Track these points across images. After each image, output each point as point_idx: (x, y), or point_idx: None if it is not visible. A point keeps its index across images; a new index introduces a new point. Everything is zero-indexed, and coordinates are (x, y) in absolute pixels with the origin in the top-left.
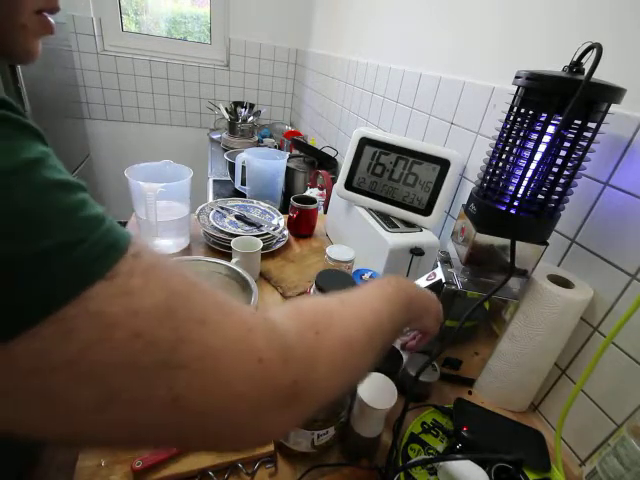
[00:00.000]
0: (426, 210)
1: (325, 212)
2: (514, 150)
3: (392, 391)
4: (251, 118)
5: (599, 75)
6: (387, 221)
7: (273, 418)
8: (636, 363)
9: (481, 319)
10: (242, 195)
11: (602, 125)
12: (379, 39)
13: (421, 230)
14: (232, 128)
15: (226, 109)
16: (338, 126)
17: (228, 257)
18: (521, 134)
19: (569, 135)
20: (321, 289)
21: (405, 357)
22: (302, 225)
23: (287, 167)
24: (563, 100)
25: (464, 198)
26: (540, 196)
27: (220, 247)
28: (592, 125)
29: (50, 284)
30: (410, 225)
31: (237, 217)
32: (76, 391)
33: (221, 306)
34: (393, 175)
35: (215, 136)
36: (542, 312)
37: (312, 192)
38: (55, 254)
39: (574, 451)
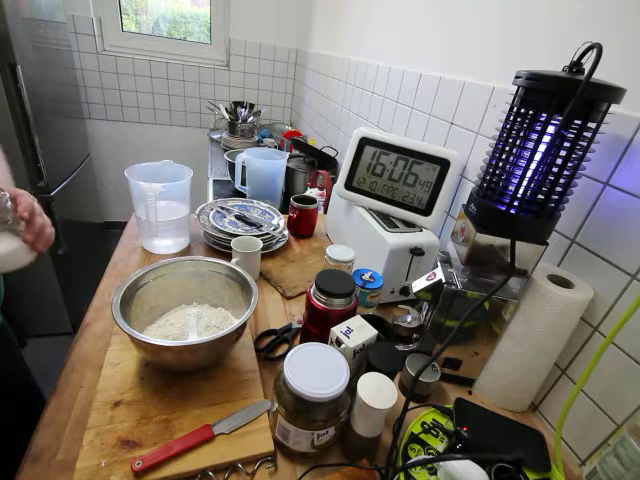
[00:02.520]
0: (426, 210)
1: (325, 212)
2: (514, 150)
3: (392, 391)
4: (251, 118)
5: (600, 75)
6: (387, 221)
7: None
8: (636, 363)
9: (481, 319)
10: (242, 195)
11: (602, 125)
12: (379, 39)
13: (421, 230)
14: (232, 128)
15: (226, 109)
16: (338, 126)
17: (228, 257)
18: (521, 134)
19: (569, 135)
20: (321, 289)
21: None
22: (302, 225)
23: (287, 167)
24: (563, 100)
25: (464, 198)
26: (540, 196)
27: (220, 247)
28: (592, 125)
29: None
30: (410, 225)
31: (237, 217)
32: None
33: None
34: (393, 175)
35: (215, 136)
36: (542, 312)
37: (312, 192)
38: None
39: (574, 451)
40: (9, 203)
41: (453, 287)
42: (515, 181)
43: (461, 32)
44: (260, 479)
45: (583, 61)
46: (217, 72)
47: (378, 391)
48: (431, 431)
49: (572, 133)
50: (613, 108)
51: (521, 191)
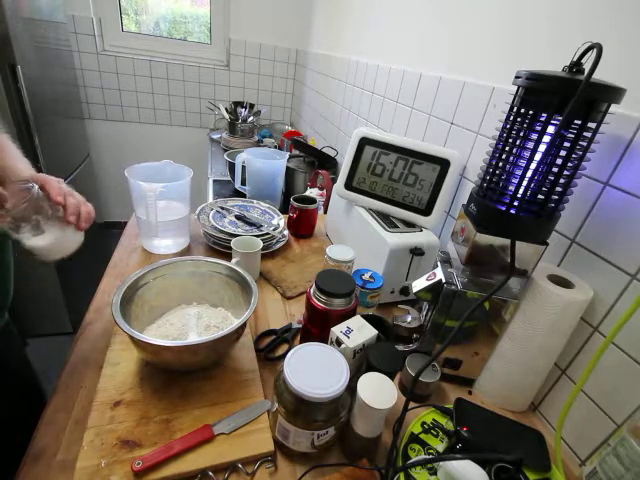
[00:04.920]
0: (426, 210)
1: (325, 212)
2: (514, 150)
3: (392, 391)
4: (251, 118)
5: (600, 75)
6: (387, 221)
7: None
8: (636, 363)
9: (481, 319)
10: (242, 195)
11: (602, 125)
12: (379, 39)
13: (421, 230)
14: (232, 128)
15: (226, 109)
16: (338, 126)
17: (228, 257)
18: (521, 134)
19: (569, 135)
20: (321, 289)
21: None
22: (302, 225)
23: (287, 167)
24: (563, 100)
25: (464, 198)
26: (540, 196)
27: (220, 247)
28: (592, 125)
29: None
30: (410, 225)
31: (237, 217)
32: None
33: None
34: (393, 175)
35: (215, 136)
36: (542, 312)
37: (312, 192)
38: None
39: (574, 451)
40: (40, 193)
41: (453, 287)
42: (515, 181)
43: (461, 32)
44: (260, 479)
45: (583, 61)
46: (217, 72)
47: (378, 391)
48: (431, 431)
49: (572, 133)
50: (613, 108)
51: (521, 191)
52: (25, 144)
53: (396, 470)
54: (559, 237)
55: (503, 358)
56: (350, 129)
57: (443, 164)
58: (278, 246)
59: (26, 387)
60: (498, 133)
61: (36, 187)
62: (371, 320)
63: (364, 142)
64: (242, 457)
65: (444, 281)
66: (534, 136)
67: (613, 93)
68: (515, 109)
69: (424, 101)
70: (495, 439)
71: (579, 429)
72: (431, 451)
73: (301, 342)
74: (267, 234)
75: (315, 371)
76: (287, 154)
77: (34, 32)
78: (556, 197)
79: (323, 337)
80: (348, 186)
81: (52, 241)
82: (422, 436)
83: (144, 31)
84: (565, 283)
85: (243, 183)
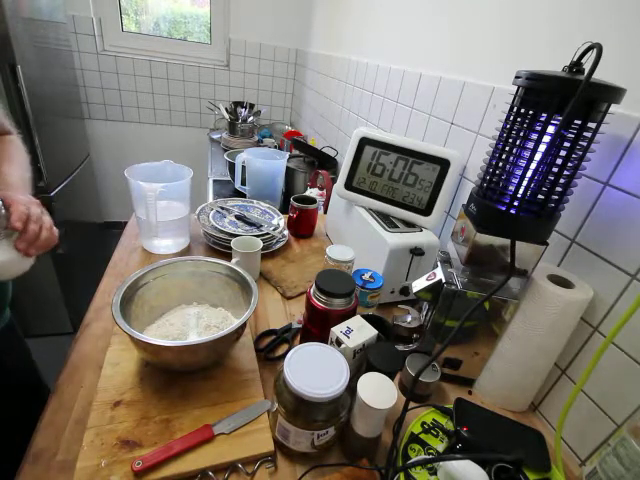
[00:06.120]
0: (426, 210)
1: (325, 212)
2: (514, 150)
3: (392, 391)
4: (251, 118)
5: (600, 75)
6: (387, 221)
7: None
8: (636, 363)
9: (481, 319)
10: (242, 195)
11: (602, 125)
12: (379, 39)
13: (421, 230)
14: (232, 128)
15: (226, 109)
16: (338, 126)
17: (228, 257)
18: (521, 134)
19: (569, 135)
20: (321, 289)
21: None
22: (302, 225)
23: (287, 167)
24: (563, 100)
25: (464, 198)
26: (540, 196)
27: (220, 247)
28: (592, 125)
29: None
30: (410, 225)
31: (237, 217)
32: None
33: None
34: (393, 175)
35: (215, 136)
36: (542, 312)
37: (312, 192)
38: None
39: (574, 451)
40: (3, 211)
41: (453, 287)
42: (515, 181)
43: (461, 32)
44: (260, 479)
45: (583, 61)
46: (217, 72)
47: (378, 391)
48: (431, 431)
49: (572, 133)
50: (613, 108)
51: (521, 191)
52: (25, 144)
53: (396, 470)
54: (559, 237)
55: (503, 358)
56: (350, 129)
57: (443, 164)
58: (278, 246)
59: (29, 386)
60: (498, 133)
61: (0, 204)
62: (371, 320)
63: (364, 142)
64: (242, 457)
65: (444, 281)
66: (534, 136)
67: (613, 93)
68: (515, 109)
69: (424, 101)
70: (495, 439)
71: (579, 429)
72: (431, 451)
73: (301, 342)
74: (267, 234)
75: (315, 371)
76: (287, 154)
77: (34, 32)
78: (556, 197)
79: (323, 337)
80: (348, 186)
81: None
82: (422, 436)
83: (144, 31)
84: (565, 283)
85: (243, 183)
